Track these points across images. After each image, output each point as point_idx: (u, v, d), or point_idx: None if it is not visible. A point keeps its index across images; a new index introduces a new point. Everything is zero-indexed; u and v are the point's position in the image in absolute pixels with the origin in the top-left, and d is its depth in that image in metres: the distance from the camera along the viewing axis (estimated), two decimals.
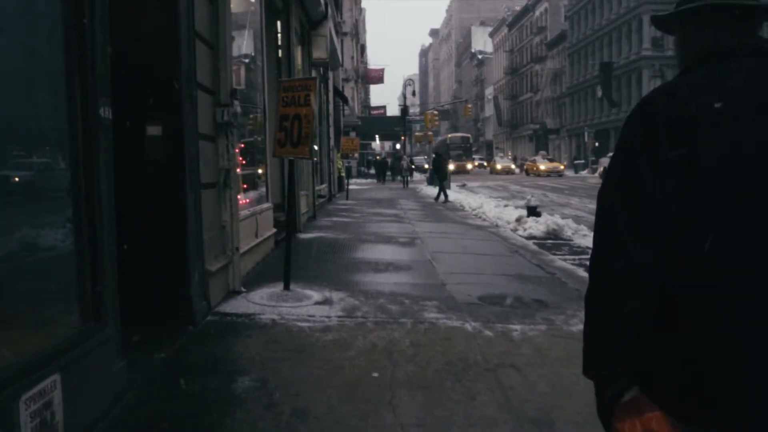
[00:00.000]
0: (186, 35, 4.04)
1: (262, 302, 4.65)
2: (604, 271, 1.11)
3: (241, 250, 5.26)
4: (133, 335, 3.49)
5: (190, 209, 4.09)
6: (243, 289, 4.98)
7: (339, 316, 4.32)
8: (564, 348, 3.60)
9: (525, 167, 41.99)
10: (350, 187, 19.27)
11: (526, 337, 3.88)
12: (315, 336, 3.87)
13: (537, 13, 60.96)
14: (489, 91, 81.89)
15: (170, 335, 3.82)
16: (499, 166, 45.03)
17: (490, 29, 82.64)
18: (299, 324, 4.12)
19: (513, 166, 45.59)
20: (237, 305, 4.58)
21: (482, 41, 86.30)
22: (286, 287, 4.94)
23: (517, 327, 4.09)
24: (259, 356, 3.51)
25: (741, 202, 1.06)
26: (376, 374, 3.19)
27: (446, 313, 4.48)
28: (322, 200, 14.09)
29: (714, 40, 1.20)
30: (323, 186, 15.01)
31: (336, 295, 4.94)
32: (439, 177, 17.62)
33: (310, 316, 4.32)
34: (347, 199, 16.95)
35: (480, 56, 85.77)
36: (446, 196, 16.58)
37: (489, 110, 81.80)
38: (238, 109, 5.26)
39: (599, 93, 43.27)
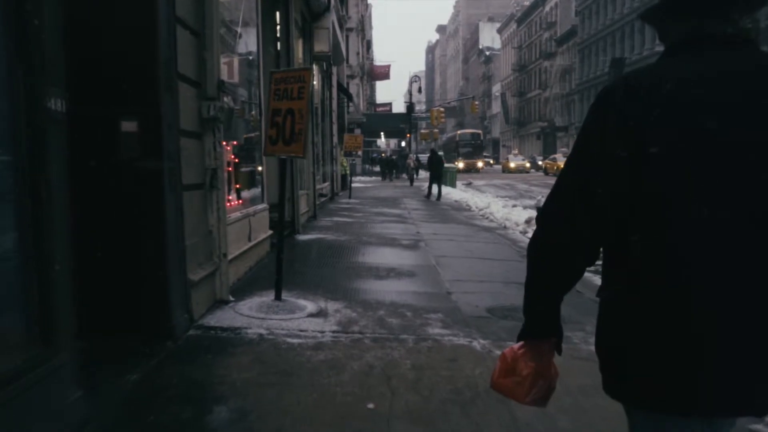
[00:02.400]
0: (165, 19, 3.64)
1: (250, 314, 4.26)
2: (544, 237, 1.20)
3: (232, 255, 4.87)
4: (103, 352, 3.14)
5: (170, 213, 3.71)
6: (231, 298, 4.59)
7: (333, 332, 3.92)
8: (586, 373, 3.13)
9: (544, 166, 39.71)
10: (354, 184, 18.91)
11: None
12: (305, 355, 3.48)
13: (547, 8, 60.16)
14: (496, 88, 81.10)
15: (146, 352, 3.46)
16: (512, 165, 43.30)
17: (498, 25, 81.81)
18: (289, 340, 3.73)
19: (527, 165, 43.76)
20: (223, 317, 4.19)
21: (490, 37, 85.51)
22: (278, 297, 4.55)
23: None
24: (242, 380, 3.12)
25: (689, 191, 1.06)
26: (371, 405, 2.79)
27: (452, 328, 4.07)
28: (323, 199, 13.71)
29: (686, 29, 1.19)
30: (325, 184, 14.62)
31: (332, 306, 4.55)
32: (434, 176, 17.33)
33: (301, 330, 3.92)
34: (350, 197, 16.55)
35: (488, 52, 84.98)
36: (429, 193, 17.12)
37: (496, 107, 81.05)
38: (232, 104, 4.88)
39: None
